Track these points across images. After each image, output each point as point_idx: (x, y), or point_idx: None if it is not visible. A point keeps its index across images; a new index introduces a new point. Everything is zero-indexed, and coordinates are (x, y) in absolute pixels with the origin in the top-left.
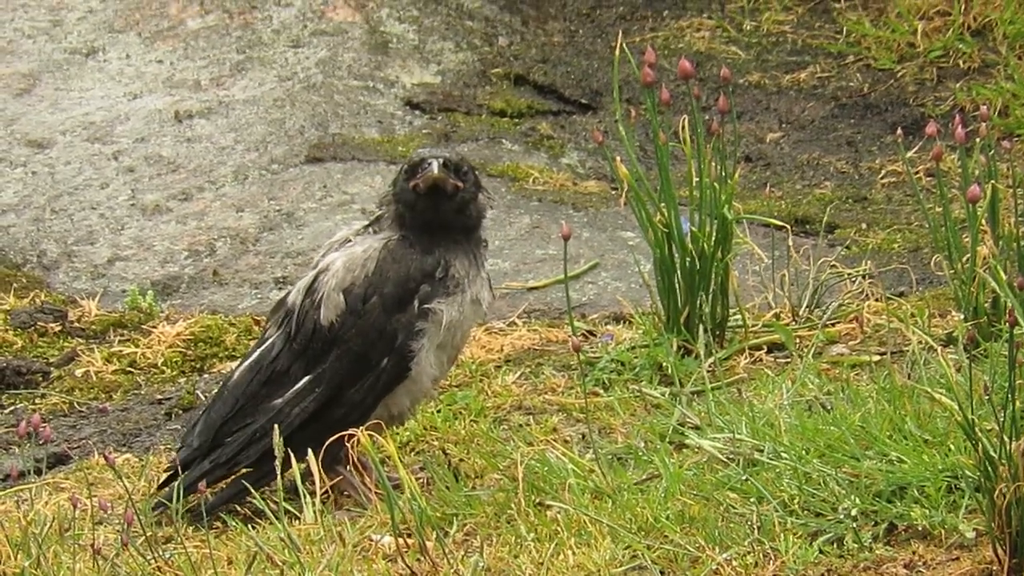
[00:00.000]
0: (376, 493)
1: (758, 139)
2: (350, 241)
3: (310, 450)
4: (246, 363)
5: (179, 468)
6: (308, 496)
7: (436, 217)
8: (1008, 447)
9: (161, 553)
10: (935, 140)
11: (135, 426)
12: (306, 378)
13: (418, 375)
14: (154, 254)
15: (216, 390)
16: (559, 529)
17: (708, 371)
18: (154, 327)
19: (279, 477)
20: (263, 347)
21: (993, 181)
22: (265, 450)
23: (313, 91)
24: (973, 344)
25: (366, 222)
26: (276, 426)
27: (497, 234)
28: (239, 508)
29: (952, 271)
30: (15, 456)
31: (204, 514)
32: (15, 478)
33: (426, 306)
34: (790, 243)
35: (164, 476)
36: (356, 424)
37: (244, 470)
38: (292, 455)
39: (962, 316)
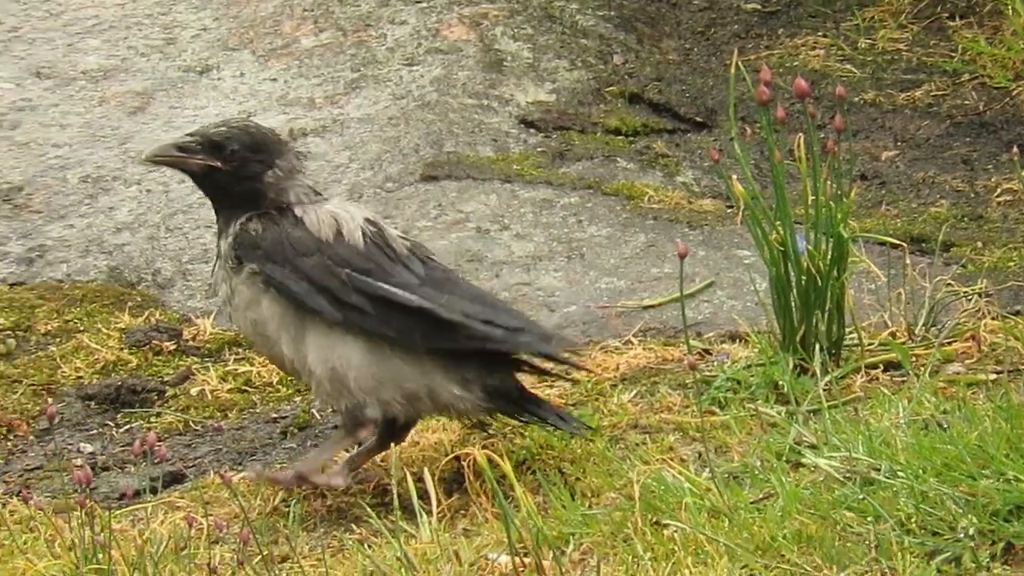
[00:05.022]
0: (493, 513)
1: (873, 157)
2: None
3: (425, 470)
4: None
5: None
6: (424, 515)
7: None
8: None
9: (277, 572)
10: None
11: (250, 445)
12: None
13: None
14: None
15: None
16: (676, 548)
17: (824, 390)
18: None
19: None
20: None
21: None
22: None
23: (427, 109)
24: None
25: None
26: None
27: (612, 252)
28: (355, 527)
29: None
30: (131, 475)
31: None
32: (130, 497)
33: None
34: (906, 261)
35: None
36: None
37: None
38: None
39: None
